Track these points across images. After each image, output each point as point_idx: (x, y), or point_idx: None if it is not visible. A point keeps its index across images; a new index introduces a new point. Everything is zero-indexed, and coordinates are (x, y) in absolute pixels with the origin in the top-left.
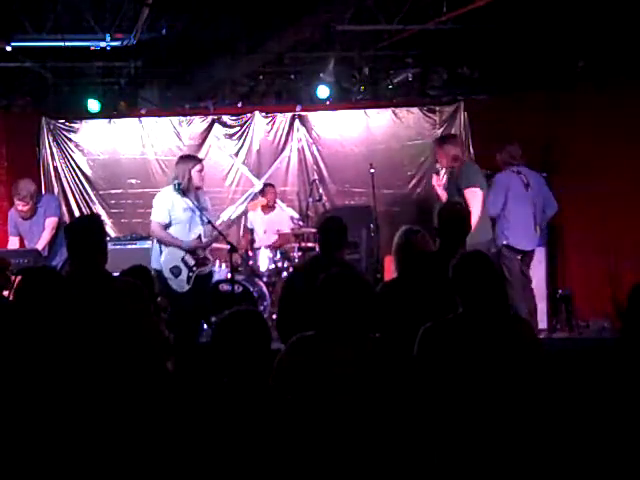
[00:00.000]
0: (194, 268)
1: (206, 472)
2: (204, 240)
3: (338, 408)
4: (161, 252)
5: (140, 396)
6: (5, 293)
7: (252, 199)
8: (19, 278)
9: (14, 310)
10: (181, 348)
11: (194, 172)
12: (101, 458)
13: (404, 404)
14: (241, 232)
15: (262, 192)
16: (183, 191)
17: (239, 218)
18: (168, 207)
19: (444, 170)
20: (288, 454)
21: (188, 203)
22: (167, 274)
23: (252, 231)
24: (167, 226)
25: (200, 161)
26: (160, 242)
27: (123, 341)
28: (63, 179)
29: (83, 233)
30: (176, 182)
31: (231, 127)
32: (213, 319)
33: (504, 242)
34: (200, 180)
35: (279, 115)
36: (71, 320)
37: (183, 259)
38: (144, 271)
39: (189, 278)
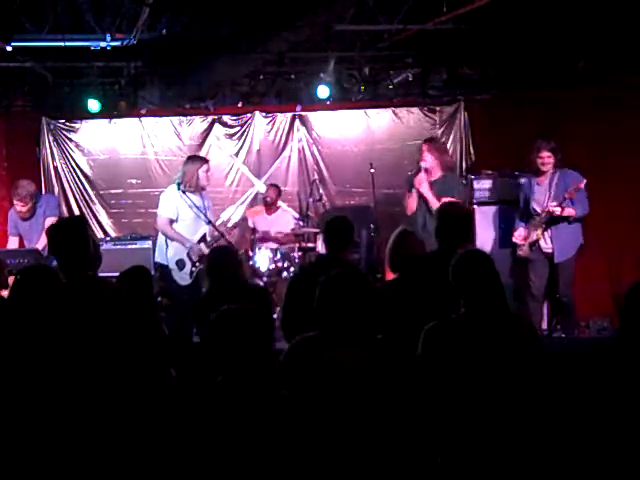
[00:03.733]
0: (197, 264)
1: (206, 473)
2: (208, 239)
3: (340, 409)
4: (167, 246)
5: (138, 397)
6: (4, 293)
7: (251, 203)
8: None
9: (9, 309)
10: (178, 347)
11: (201, 172)
12: (95, 462)
13: (407, 404)
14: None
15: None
16: (190, 190)
17: (241, 221)
18: (176, 203)
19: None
20: (288, 455)
21: (194, 201)
22: (172, 265)
23: (254, 230)
24: (173, 222)
25: (207, 162)
26: (166, 237)
27: (112, 343)
28: (63, 179)
29: (65, 235)
30: (180, 181)
31: (231, 127)
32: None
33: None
34: (206, 180)
35: (279, 115)
36: (64, 320)
37: (188, 254)
38: (143, 272)
39: (192, 272)
